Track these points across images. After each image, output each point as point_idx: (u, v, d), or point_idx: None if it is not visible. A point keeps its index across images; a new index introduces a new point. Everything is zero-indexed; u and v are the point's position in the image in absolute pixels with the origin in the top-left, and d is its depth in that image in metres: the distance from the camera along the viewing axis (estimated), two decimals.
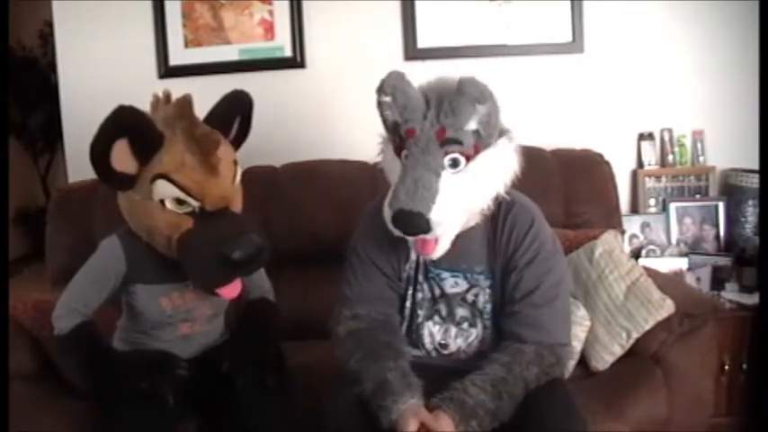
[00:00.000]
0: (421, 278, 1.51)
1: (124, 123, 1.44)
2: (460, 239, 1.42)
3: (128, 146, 1.45)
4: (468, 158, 1.34)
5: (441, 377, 1.38)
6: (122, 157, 1.46)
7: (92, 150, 1.43)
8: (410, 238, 1.38)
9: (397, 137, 1.38)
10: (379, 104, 1.39)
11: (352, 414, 1.36)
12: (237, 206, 1.61)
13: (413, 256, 1.51)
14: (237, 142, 1.71)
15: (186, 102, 1.50)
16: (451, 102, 1.31)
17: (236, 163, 1.60)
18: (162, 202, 1.49)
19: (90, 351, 1.56)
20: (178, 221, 1.50)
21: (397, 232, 1.35)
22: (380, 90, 1.37)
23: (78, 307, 1.58)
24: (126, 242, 1.59)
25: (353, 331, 1.46)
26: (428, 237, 1.35)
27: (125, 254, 1.58)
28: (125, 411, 1.45)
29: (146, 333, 1.63)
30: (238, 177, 1.61)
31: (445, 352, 1.51)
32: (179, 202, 1.49)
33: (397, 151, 1.39)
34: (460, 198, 1.35)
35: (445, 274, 1.50)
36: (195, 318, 1.64)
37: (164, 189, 1.48)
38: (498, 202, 1.43)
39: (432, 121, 1.33)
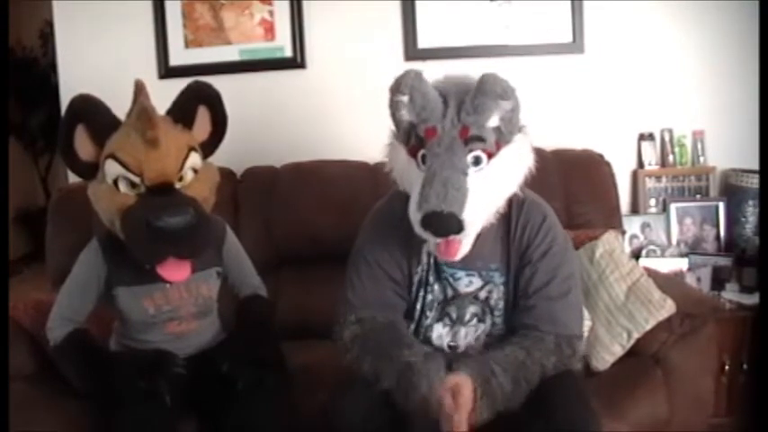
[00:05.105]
0: (432, 279, 1.49)
1: (78, 109, 1.52)
2: (475, 238, 1.39)
3: (85, 131, 1.52)
4: (490, 156, 1.32)
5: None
6: (83, 143, 1.53)
7: (58, 140, 1.52)
8: (434, 241, 1.35)
9: (414, 137, 1.34)
10: (394, 104, 1.35)
11: (370, 415, 1.35)
12: (199, 196, 1.55)
13: (424, 258, 1.48)
14: (215, 137, 1.66)
15: (137, 86, 1.54)
16: (474, 99, 1.29)
17: (193, 150, 1.57)
18: (116, 185, 1.50)
19: (85, 355, 1.57)
20: (128, 203, 1.50)
21: (426, 234, 1.32)
22: (396, 90, 1.33)
23: (69, 316, 1.60)
24: (105, 245, 1.60)
25: (358, 336, 1.44)
26: (457, 237, 1.32)
27: (104, 257, 1.59)
28: (125, 412, 1.45)
29: (135, 334, 1.63)
30: (194, 162, 1.56)
31: (452, 352, 1.50)
32: (131, 185, 1.50)
33: (412, 152, 1.35)
34: (484, 197, 1.33)
35: (460, 274, 1.48)
36: (182, 316, 1.63)
37: (111, 168, 1.50)
38: (510, 199, 1.43)
39: (452, 119, 1.30)
